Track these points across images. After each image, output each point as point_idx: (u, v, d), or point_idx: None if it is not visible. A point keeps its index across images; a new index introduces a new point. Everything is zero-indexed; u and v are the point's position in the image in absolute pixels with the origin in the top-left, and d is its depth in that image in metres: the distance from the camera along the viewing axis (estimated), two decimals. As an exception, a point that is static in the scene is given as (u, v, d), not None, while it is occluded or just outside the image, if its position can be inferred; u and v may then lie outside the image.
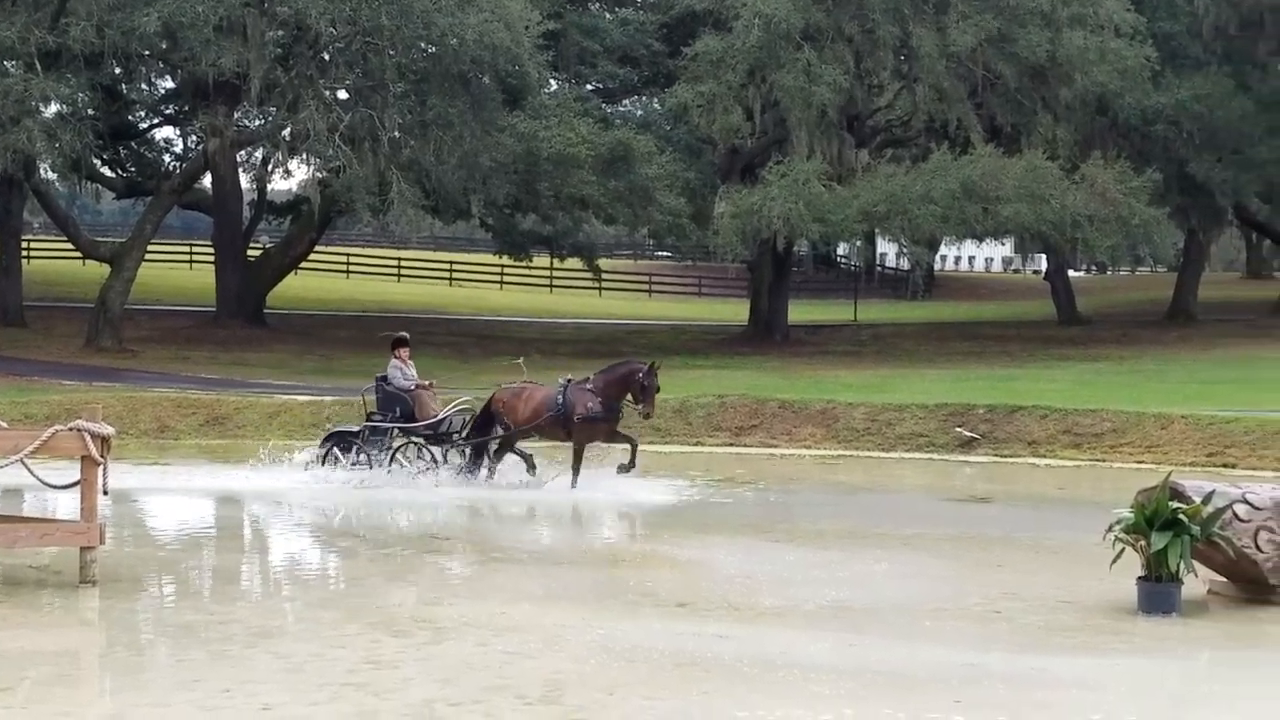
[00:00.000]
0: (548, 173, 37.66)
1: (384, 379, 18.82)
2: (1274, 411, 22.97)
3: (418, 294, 59.75)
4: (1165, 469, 16.92)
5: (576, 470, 17.90)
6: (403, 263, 65.47)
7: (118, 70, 38.55)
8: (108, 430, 11.79)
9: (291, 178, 48.81)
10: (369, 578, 12.49)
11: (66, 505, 13.95)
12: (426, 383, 19.13)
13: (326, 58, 36.45)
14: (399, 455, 18.66)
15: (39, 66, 33.10)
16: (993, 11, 38.00)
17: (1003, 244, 60.88)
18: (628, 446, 17.83)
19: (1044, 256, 54.16)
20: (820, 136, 38.90)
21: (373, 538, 15.53)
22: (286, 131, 36.77)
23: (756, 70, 38.51)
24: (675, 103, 39.55)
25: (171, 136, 47.73)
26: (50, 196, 42.62)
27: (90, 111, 36.08)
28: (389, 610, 10.83)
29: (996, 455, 22.09)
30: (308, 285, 53.84)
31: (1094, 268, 71.85)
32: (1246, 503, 11.34)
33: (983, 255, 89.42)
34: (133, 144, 45.64)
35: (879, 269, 69.87)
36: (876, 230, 42.18)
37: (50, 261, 56.45)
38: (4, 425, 13.61)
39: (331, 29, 34.78)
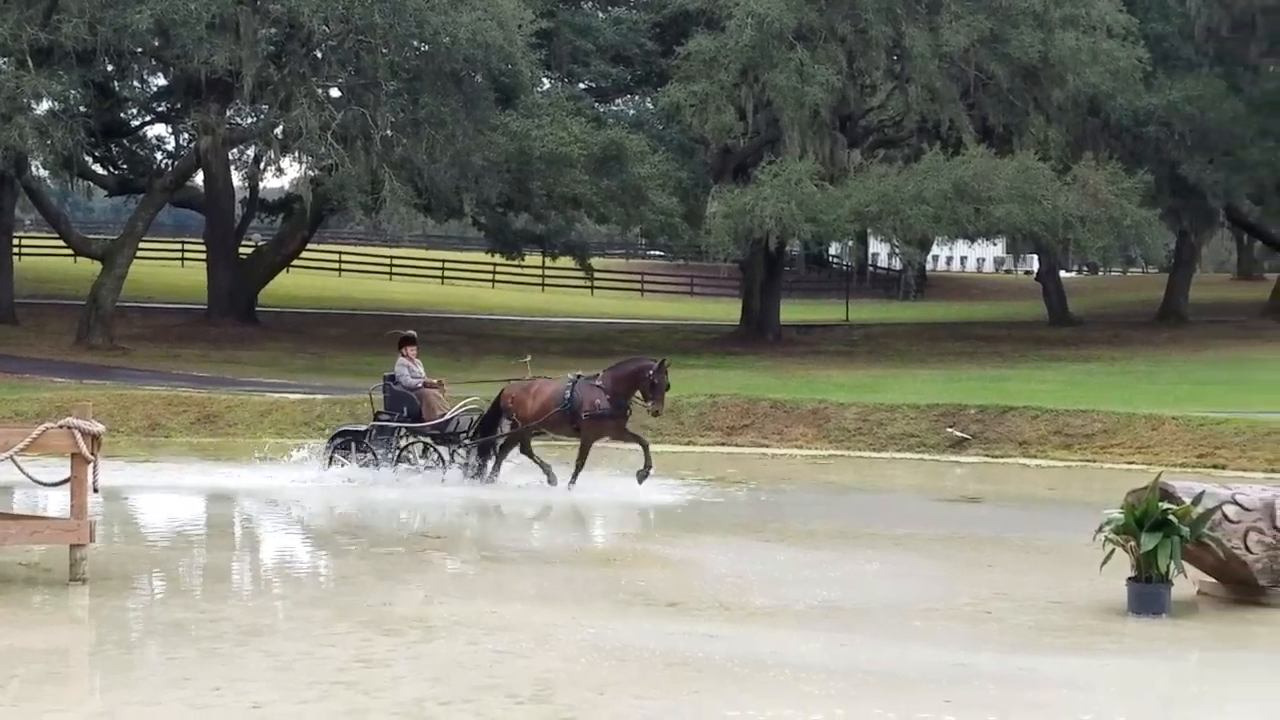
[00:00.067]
0: (540, 172, 37.66)
1: (392, 378, 18.71)
2: (1264, 413, 23.02)
3: (410, 292, 59.71)
4: (1156, 470, 16.96)
5: (579, 468, 17.79)
6: (395, 261, 65.45)
7: (110, 67, 38.47)
8: (98, 428, 11.77)
9: (284, 176, 48.80)
10: (360, 576, 12.48)
11: (57, 503, 13.93)
12: (436, 381, 19.02)
13: (319, 56, 36.43)
14: (406, 454, 18.54)
15: (31, 63, 33.05)
16: (985, 12, 38.06)
17: (994, 244, 60.99)
18: (638, 448, 17.79)
19: (1036, 257, 54.29)
20: (813, 136, 38.94)
21: (364, 536, 15.51)
22: (279, 129, 36.74)
23: (749, 70, 38.54)
24: (668, 102, 39.57)
25: (163, 134, 47.72)
26: (42, 193, 42.55)
27: (82, 108, 36.04)
28: (379, 609, 10.82)
29: (987, 455, 22.11)
30: (300, 283, 53.81)
31: (1085, 268, 71.98)
32: (1236, 504, 11.36)
33: (975, 256, 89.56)
34: (125, 141, 45.58)
35: (871, 269, 69.91)
36: (868, 230, 42.24)
37: (42, 258, 56.38)
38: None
39: (324, 27, 34.76)
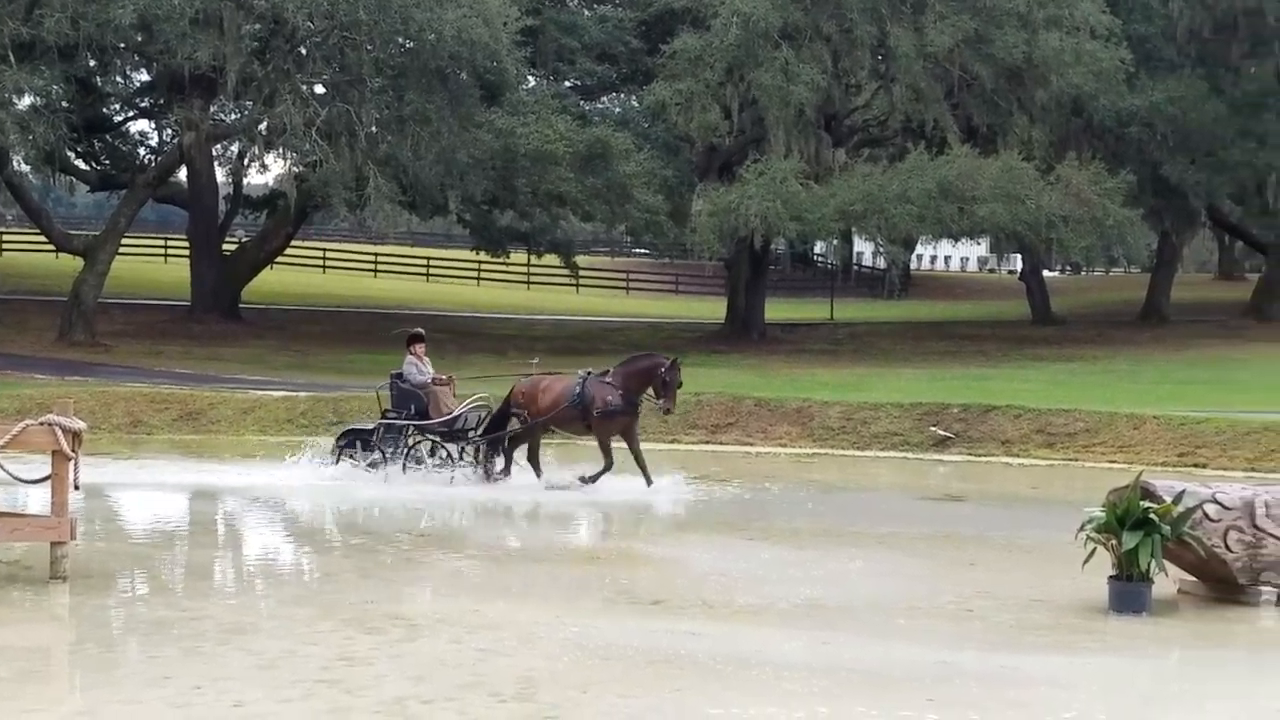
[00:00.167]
0: (525, 169, 37.62)
1: (399, 375, 18.60)
2: (1245, 412, 23.12)
3: (394, 290, 59.61)
4: (1137, 469, 17.01)
5: (607, 467, 17.66)
6: (379, 258, 65.32)
7: (92, 63, 38.35)
8: (79, 425, 11.73)
9: (268, 172, 48.67)
10: (343, 574, 12.46)
11: (38, 500, 13.88)
12: (445, 378, 18.90)
13: (303, 52, 36.34)
14: (414, 453, 18.41)
15: (12, 58, 32.90)
16: (970, 12, 38.13)
17: (978, 244, 61.09)
18: (630, 451, 17.80)
19: (1019, 256, 54.39)
20: (798, 135, 38.97)
21: (348, 534, 15.50)
22: (263, 125, 36.65)
23: (734, 69, 38.56)
24: (653, 100, 39.57)
25: (146, 130, 47.53)
26: (23, 189, 42.36)
27: (64, 104, 35.88)
28: (363, 607, 10.81)
29: (970, 454, 22.16)
30: (284, 280, 53.68)
31: (1068, 268, 72.14)
32: (1216, 502, 11.41)
33: (959, 255, 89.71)
34: (107, 137, 45.40)
35: (855, 268, 69.98)
36: (853, 229, 42.29)
37: (23, 254, 56.16)
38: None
39: (309, 23, 34.67)
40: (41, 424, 11.60)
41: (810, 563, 13.40)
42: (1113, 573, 11.04)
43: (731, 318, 45.16)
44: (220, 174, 44.71)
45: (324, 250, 67.47)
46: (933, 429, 22.81)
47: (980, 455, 22.11)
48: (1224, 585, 11.50)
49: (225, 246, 45.28)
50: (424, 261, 66.20)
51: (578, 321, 50.37)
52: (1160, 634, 10.59)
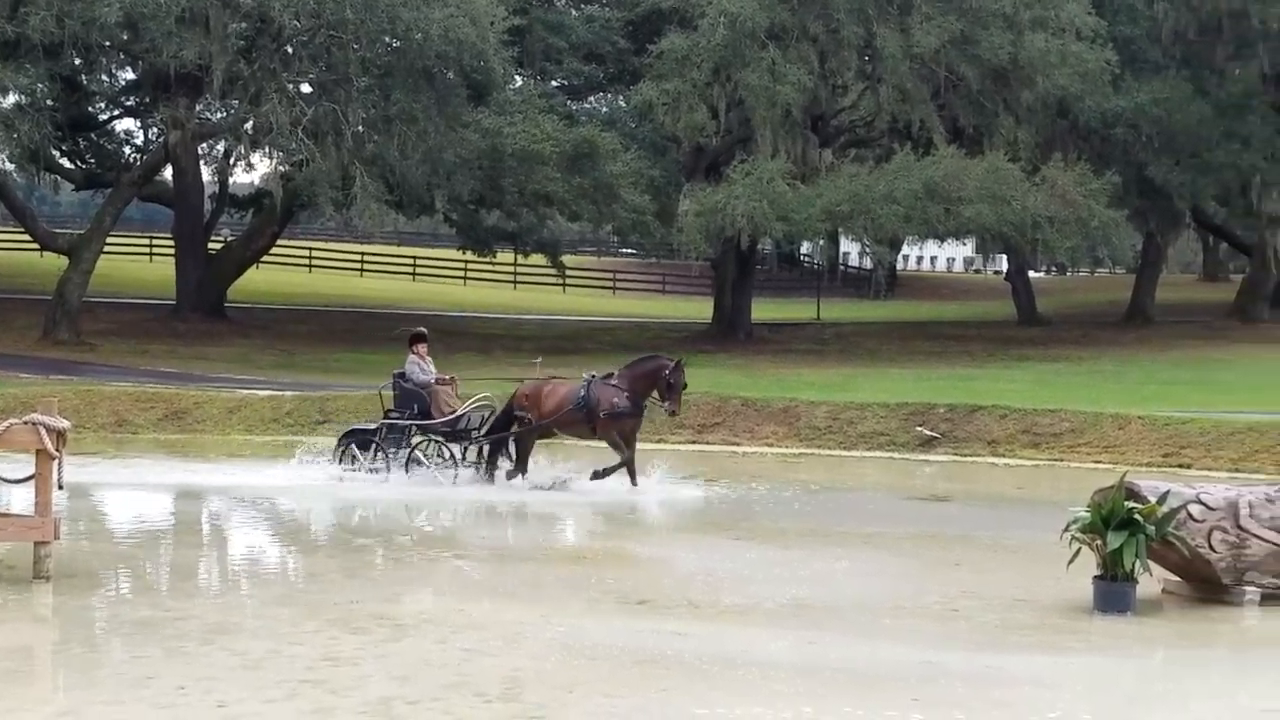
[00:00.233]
0: (512, 169, 37.60)
1: (401, 375, 18.50)
2: (1229, 413, 23.20)
3: (381, 289, 59.53)
4: (1122, 469, 17.05)
5: (623, 460, 17.59)
6: (366, 257, 65.22)
7: (78, 61, 38.23)
8: (63, 424, 11.70)
9: (254, 171, 48.62)
10: (328, 574, 12.44)
11: (21, 500, 13.83)
12: (448, 377, 18.82)
13: (290, 51, 36.28)
14: (417, 453, 18.30)
15: (-3, 56, 32.82)
16: (956, 13, 38.19)
17: (964, 244, 61.17)
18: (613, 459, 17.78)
19: (1005, 257, 54.46)
20: (784, 136, 39.01)
21: (333, 534, 15.48)
22: (249, 124, 36.58)
23: (721, 69, 38.58)
24: (640, 100, 39.56)
25: (132, 128, 47.40)
26: (8, 187, 42.22)
27: (49, 102, 35.79)
28: (347, 607, 10.78)
29: (956, 454, 22.20)
30: (270, 279, 53.57)
31: (1054, 269, 72.28)
32: (1201, 503, 11.44)
33: (944, 255, 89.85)
34: (92, 135, 45.26)
35: (842, 268, 70.09)
36: (839, 229, 42.32)
37: (7, 253, 55.94)
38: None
39: (295, 22, 34.61)
40: (26, 423, 11.56)
41: (796, 562, 13.41)
42: (1097, 573, 11.06)
43: (718, 318, 45.17)
44: (206, 173, 44.61)
45: (310, 249, 67.34)
46: (919, 429, 22.84)
47: (966, 455, 22.15)
48: (1208, 585, 11.53)
49: (211, 245, 45.18)
50: (410, 261, 66.11)
51: (564, 321, 50.36)
52: (1145, 634, 10.62)
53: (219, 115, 40.61)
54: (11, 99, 34.75)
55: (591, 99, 47.91)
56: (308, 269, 65.02)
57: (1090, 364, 36.40)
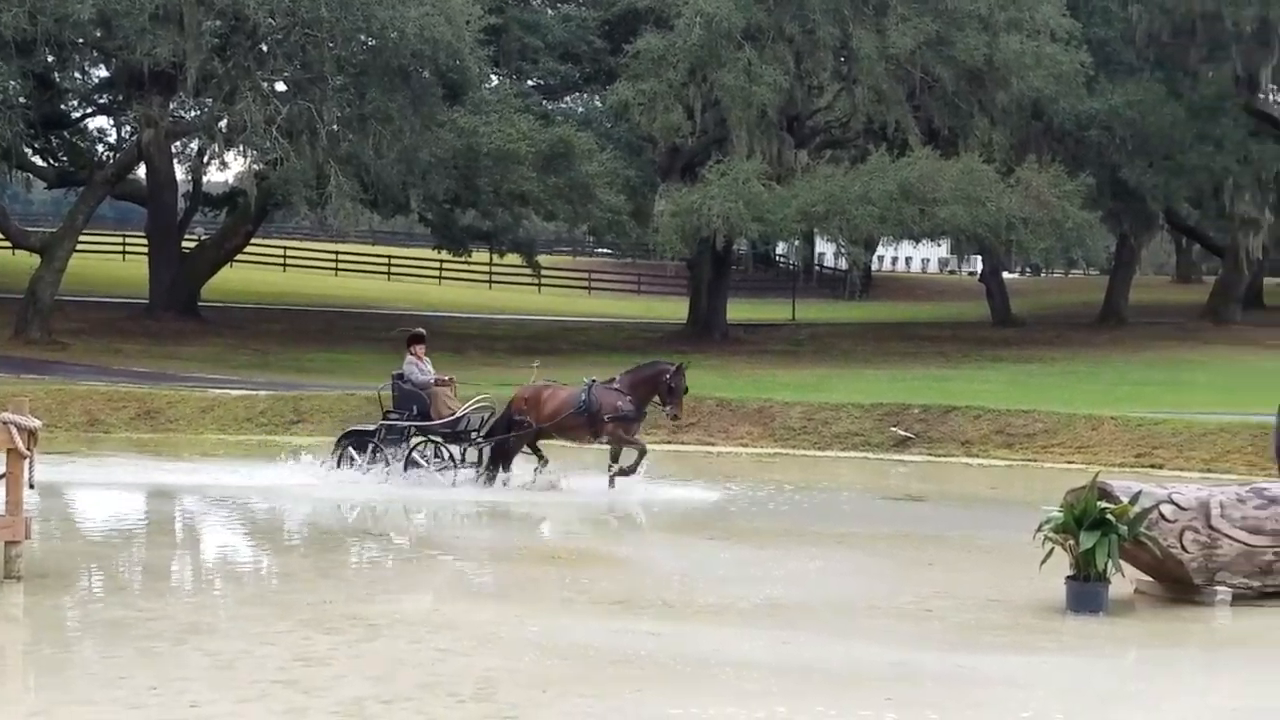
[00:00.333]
0: (488, 168, 37.50)
1: (400, 376, 18.38)
2: (1201, 413, 23.32)
3: (355, 288, 59.37)
4: (1095, 469, 17.14)
5: (642, 452, 17.56)
6: (340, 257, 65.01)
7: (50, 58, 37.95)
8: (34, 423, 11.63)
9: (228, 169, 48.39)
10: (302, 574, 12.40)
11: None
12: (446, 378, 18.71)
13: (264, 49, 36.10)
14: (415, 454, 18.16)
15: (-31, 53, 32.58)
16: (931, 15, 38.28)
17: (939, 245, 61.40)
18: (611, 456, 17.75)
19: (979, 258, 54.68)
20: (760, 136, 39.03)
21: (307, 534, 15.43)
22: (223, 123, 36.38)
23: (697, 69, 38.57)
24: (616, 100, 39.53)
25: (105, 126, 47.14)
26: (-20, 185, 41.99)
27: (21, 99, 35.51)
28: (321, 607, 10.75)
29: (930, 455, 22.26)
30: (243, 278, 53.36)
31: (1028, 270, 72.58)
32: (1172, 503, 11.50)
33: (919, 256, 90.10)
34: (65, 133, 44.97)
35: (817, 269, 70.23)
36: (815, 230, 42.40)
37: (-21, 251, 55.50)
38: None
39: (270, 20, 34.45)
40: (-4, 422, 11.49)
41: (771, 562, 13.42)
42: (1070, 573, 11.11)
43: (693, 318, 45.19)
44: (180, 171, 44.35)
45: (285, 248, 67.10)
46: (893, 429, 22.90)
47: (940, 455, 22.21)
48: (1180, 585, 11.59)
49: (184, 244, 44.95)
50: (385, 260, 65.95)
51: (539, 321, 50.30)
52: (1117, 633, 10.67)
53: (193, 113, 40.39)
54: (-17, 96, 34.49)
55: (567, 99, 47.84)
56: (282, 268, 64.80)
57: (1064, 365, 36.54)
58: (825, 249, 61.74)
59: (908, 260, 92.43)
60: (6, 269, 47.49)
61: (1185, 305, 51.70)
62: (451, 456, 18.18)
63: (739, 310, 48.31)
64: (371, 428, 18.55)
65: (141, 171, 42.89)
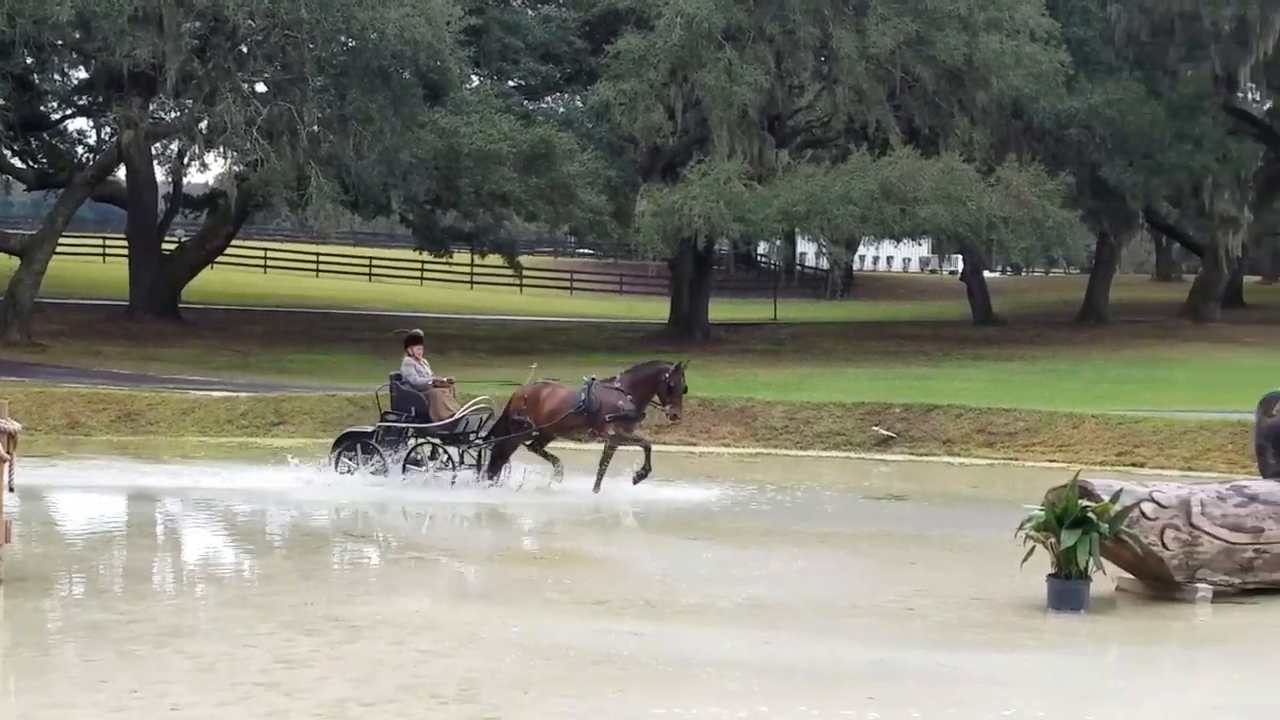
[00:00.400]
0: (469, 169, 37.46)
1: (398, 377, 18.26)
2: (1181, 411, 23.41)
3: (336, 289, 59.26)
4: (1076, 468, 17.17)
5: (646, 448, 17.50)
6: (321, 258, 64.88)
7: (29, 60, 37.82)
8: (14, 426, 11.58)
9: (208, 171, 48.26)
10: (283, 575, 12.37)
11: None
12: (445, 380, 18.62)
13: (244, 50, 36.01)
14: (414, 456, 18.03)
15: (-53, 55, 32.44)
16: (911, 14, 38.36)
17: (920, 245, 61.51)
18: (602, 456, 17.82)
19: (960, 257, 54.81)
20: (741, 136, 39.07)
21: (288, 536, 15.39)
22: (203, 124, 36.29)
23: (678, 69, 38.59)
24: (597, 100, 39.53)
25: (85, 128, 47.01)
26: (-42, 187, 41.80)
27: (0, 102, 35.40)
28: (302, 608, 10.72)
29: (912, 454, 22.30)
30: (224, 280, 53.23)
31: (1009, 269, 72.81)
32: (1153, 501, 11.53)
33: (900, 256, 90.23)
34: (45, 135, 44.82)
35: (799, 268, 70.23)
36: (796, 230, 42.42)
37: (-42, 254, 55.25)
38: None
39: (250, 21, 34.36)
40: (-25, 425, 11.43)
41: (753, 562, 13.43)
42: (1052, 571, 11.14)
43: (675, 318, 45.21)
44: (160, 173, 44.23)
45: (265, 250, 66.95)
46: (875, 428, 22.94)
47: (922, 454, 22.25)
48: (1161, 583, 11.63)
49: (165, 246, 44.82)
50: (366, 261, 65.83)
51: (521, 321, 50.27)
52: (1098, 631, 10.70)
53: (173, 115, 40.28)
54: (-38, 98, 34.37)
55: (548, 99, 47.82)
56: (263, 269, 64.64)
57: (1044, 363, 36.65)
58: (806, 249, 61.77)
59: (889, 260, 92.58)
60: (-15, 271, 47.29)
61: (1165, 304, 51.90)
62: (450, 458, 18.07)
63: (721, 310, 48.35)
64: (369, 429, 18.46)
65: (121, 173, 42.76)
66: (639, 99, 38.42)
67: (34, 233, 41.19)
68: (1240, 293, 54.55)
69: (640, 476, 17.38)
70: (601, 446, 18.13)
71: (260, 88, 36.63)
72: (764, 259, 69.24)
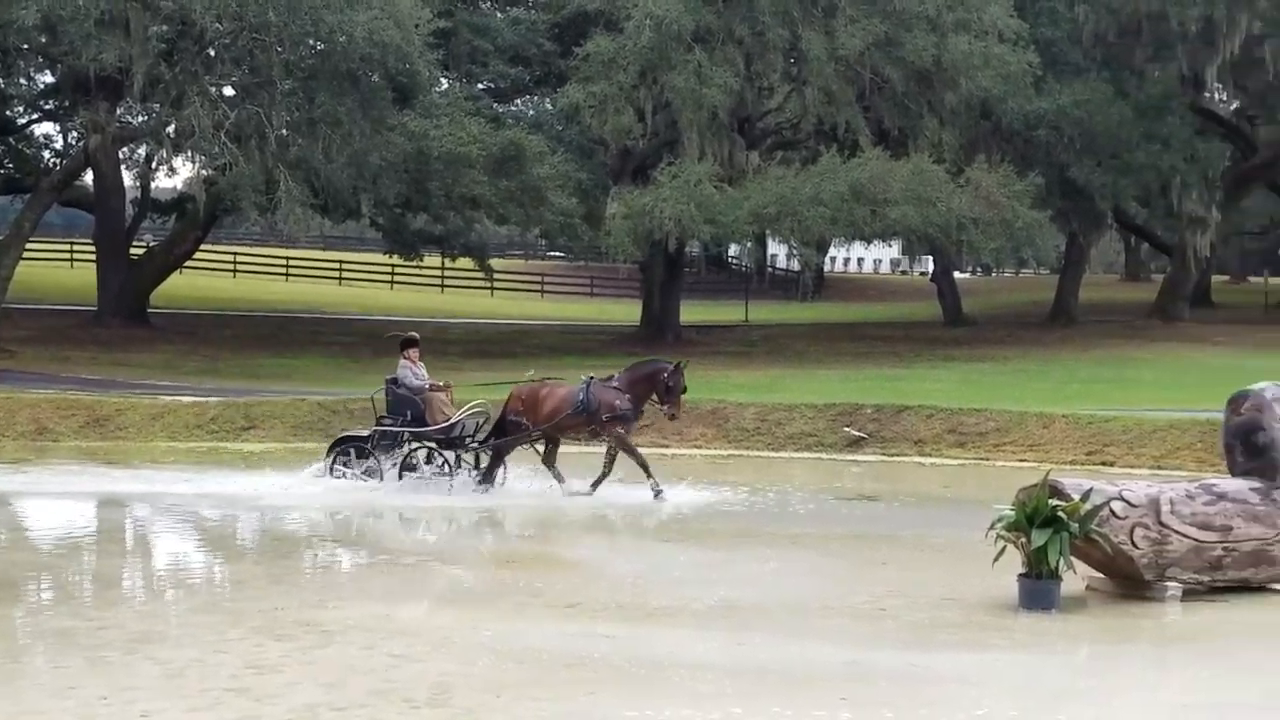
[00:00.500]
0: (438, 172, 37.38)
1: (394, 381, 18.13)
2: (1150, 410, 23.54)
3: (307, 293, 59.05)
4: (1046, 467, 17.24)
5: (646, 469, 17.45)
6: (291, 262, 64.64)
7: (-6, 64, 37.61)
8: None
9: (176, 175, 47.99)
10: (253, 581, 12.31)
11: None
12: (442, 384, 18.53)
13: (212, 53, 35.85)
14: (410, 460, 17.93)
15: (-89, 59, 32.20)
16: (880, 16, 38.47)
17: (890, 246, 61.71)
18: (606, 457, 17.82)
19: (930, 258, 55.00)
20: (711, 138, 39.11)
21: (258, 541, 15.32)
22: (171, 128, 36.10)
23: (648, 71, 38.60)
24: (567, 103, 39.50)
25: (51, 132, 46.68)
26: (-76, 193, 41.48)
27: (-34, 106, 35.18)
28: (273, 614, 10.67)
29: (884, 454, 22.35)
30: (193, 284, 53.00)
31: (979, 270, 73.11)
32: (1123, 500, 11.58)
33: (871, 257, 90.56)
34: (11, 139, 44.54)
35: (770, 270, 70.43)
36: (767, 232, 42.51)
37: (-76, 259, 54.81)
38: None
39: (217, 24, 34.21)
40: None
41: (725, 564, 13.44)
42: (1022, 570, 11.18)
43: (646, 320, 45.23)
44: (127, 177, 44.00)
45: (234, 254, 66.68)
46: (846, 429, 22.98)
47: (893, 455, 22.31)
48: (1130, 581, 11.68)
49: (133, 251, 44.59)
50: (336, 265, 65.64)
51: (492, 325, 50.19)
52: (1069, 630, 10.74)
53: (140, 119, 40.07)
54: (-74, 102, 34.09)
55: (518, 101, 47.79)
56: (232, 274, 64.37)
57: (1015, 364, 36.80)
58: (777, 250, 61.92)
59: (860, 261, 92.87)
60: (-49, 277, 46.89)
61: (1134, 304, 52.19)
62: (446, 461, 17.99)
63: (692, 312, 48.39)
64: (365, 434, 18.33)
65: (89, 178, 42.52)
66: (609, 101, 38.42)
67: (1, 238, 40.89)
68: (1209, 292, 54.92)
69: (657, 493, 17.36)
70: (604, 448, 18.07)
71: (228, 91, 36.48)
72: (735, 261, 69.35)
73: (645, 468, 17.57)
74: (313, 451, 19.95)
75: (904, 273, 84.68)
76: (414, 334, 18.90)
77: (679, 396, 17.97)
